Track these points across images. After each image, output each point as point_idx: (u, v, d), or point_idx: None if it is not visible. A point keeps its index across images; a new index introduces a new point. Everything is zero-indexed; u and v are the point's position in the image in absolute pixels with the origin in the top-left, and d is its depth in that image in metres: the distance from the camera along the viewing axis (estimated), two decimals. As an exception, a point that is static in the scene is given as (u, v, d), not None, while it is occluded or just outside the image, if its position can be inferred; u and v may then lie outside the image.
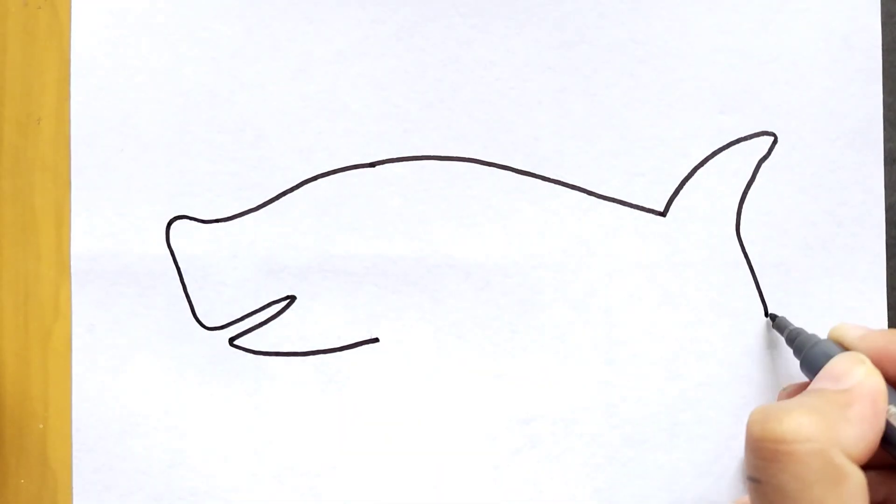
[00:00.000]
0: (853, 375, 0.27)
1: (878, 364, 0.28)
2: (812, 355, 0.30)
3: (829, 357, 0.29)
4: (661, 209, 0.35)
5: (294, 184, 0.35)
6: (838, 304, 0.35)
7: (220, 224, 0.36)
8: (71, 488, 0.36)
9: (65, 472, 0.36)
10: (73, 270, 0.36)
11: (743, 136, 0.35)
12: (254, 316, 0.35)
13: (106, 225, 0.35)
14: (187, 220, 0.36)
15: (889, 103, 0.35)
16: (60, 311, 0.36)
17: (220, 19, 0.35)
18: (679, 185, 0.35)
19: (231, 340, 0.35)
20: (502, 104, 0.35)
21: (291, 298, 0.35)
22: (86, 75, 0.35)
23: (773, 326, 0.34)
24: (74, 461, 0.36)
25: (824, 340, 0.31)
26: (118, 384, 0.35)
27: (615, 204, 0.35)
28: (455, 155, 0.35)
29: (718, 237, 0.35)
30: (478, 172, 0.35)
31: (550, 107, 0.35)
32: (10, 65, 0.36)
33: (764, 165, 0.35)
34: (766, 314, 0.35)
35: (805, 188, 0.35)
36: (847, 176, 0.35)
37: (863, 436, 0.25)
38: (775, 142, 0.35)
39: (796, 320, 0.35)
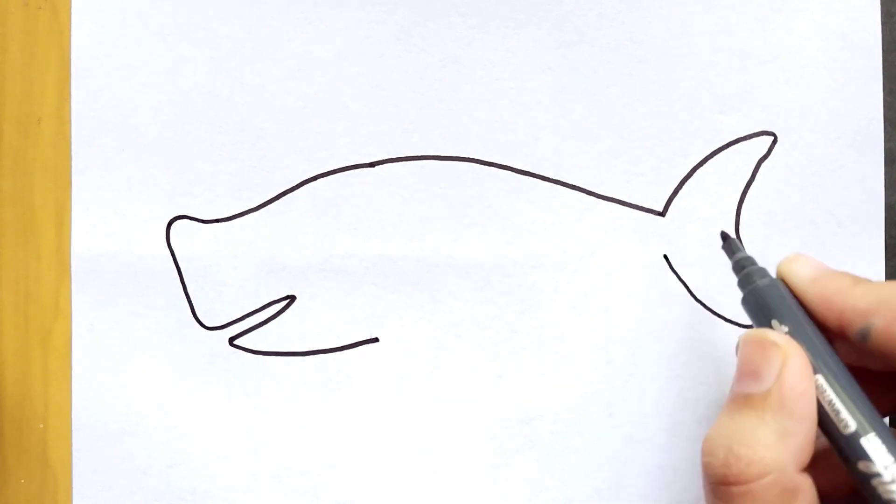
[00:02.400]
0: (770, 370, 0.25)
1: (823, 312, 0.26)
2: (753, 297, 0.27)
3: (767, 305, 0.26)
4: (661, 209, 0.35)
5: (294, 184, 0.35)
6: (838, 304, 0.35)
7: (220, 224, 0.36)
8: (71, 488, 0.36)
9: (65, 472, 0.36)
10: (73, 270, 0.36)
11: (742, 135, 0.35)
12: (254, 316, 0.35)
13: (106, 225, 0.36)
14: (187, 220, 0.36)
15: (889, 103, 0.35)
16: (60, 310, 0.36)
17: (220, 19, 0.35)
18: (678, 185, 0.35)
19: (231, 340, 0.35)
20: (502, 104, 0.35)
21: (291, 298, 0.35)
22: (86, 75, 0.35)
23: (723, 248, 0.31)
24: (74, 461, 0.36)
25: (772, 281, 0.27)
26: (118, 384, 0.36)
27: (615, 204, 0.35)
28: (455, 155, 0.35)
29: (718, 237, 0.35)
30: (478, 172, 0.35)
31: (550, 107, 0.35)
32: (10, 65, 0.36)
33: (763, 165, 0.35)
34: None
35: (805, 188, 0.35)
36: (847, 176, 0.35)
37: (805, 437, 0.24)
38: (775, 141, 0.35)
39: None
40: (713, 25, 0.35)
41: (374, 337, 0.35)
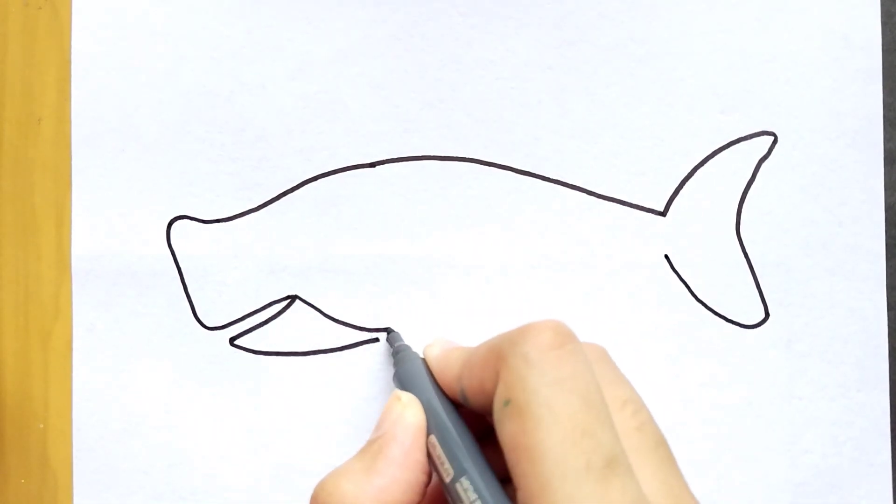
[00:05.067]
0: (388, 419, 0.27)
1: (443, 386, 0.28)
2: (399, 375, 0.31)
3: (406, 379, 0.29)
4: (662, 209, 0.35)
5: (294, 184, 0.35)
6: (838, 304, 0.35)
7: (220, 224, 0.36)
8: (71, 488, 0.36)
9: (65, 472, 0.36)
10: (73, 270, 0.36)
11: (743, 135, 0.35)
12: (254, 316, 0.35)
13: (107, 225, 0.36)
14: (188, 221, 0.36)
15: (889, 103, 0.35)
16: (61, 310, 0.36)
17: (220, 19, 0.35)
18: (679, 185, 0.35)
19: (231, 340, 0.35)
20: (502, 104, 0.35)
21: (292, 298, 0.35)
22: (86, 75, 0.35)
23: (387, 340, 0.35)
24: (74, 461, 0.36)
25: (415, 362, 0.30)
26: (119, 384, 0.36)
27: (615, 204, 0.35)
28: (455, 155, 0.35)
29: (718, 237, 0.35)
30: (478, 172, 0.35)
31: (550, 107, 0.35)
32: (11, 65, 0.36)
33: (764, 165, 0.35)
34: (762, 316, 0.35)
35: (805, 188, 0.35)
36: (847, 175, 0.35)
37: (395, 480, 0.25)
38: (775, 141, 0.35)
39: (796, 320, 0.35)
40: (713, 25, 0.35)
41: (374, 337, 0.35)
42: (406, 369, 0.30)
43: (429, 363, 0.29)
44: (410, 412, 0.27)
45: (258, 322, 0.35)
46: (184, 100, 0.35)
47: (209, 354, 0.35)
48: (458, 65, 0.35)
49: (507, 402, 0.23)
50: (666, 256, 0.35)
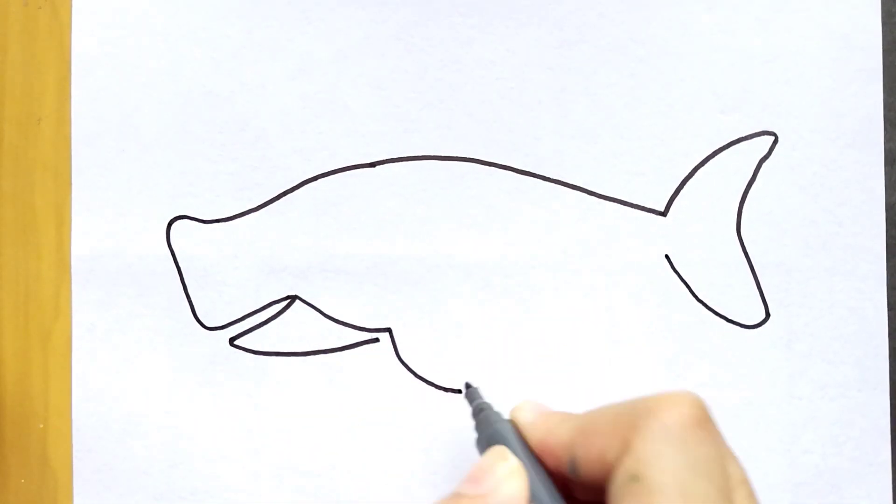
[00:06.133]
0: (490, 478, 0.25)
1: (542, 453, 0.27)
2: (486, 438, 0.29)
3: (496, 444, 0.27)
4: (662, 209, 0.35)
5: (294, 184, 0.35)
6: (838, 304, 0.35)
7: (220, 224, 0.36)
8: (71, 488, 0.36)
9: (65, 472, 0.36)
10: (73, 270, 0.36)
11: (743, 135, 0.35)
12: (254, 316, 0.35)
13: (106, 225, 0.36)
14: (188, 221, 0.36)
15: (889, 103, 0.35)
16: (61, 310, 0.36)
17: (221, 19, 0.35)
18: (679, 185, 0.35)
19: (231, 340, 0.35)
20: (502, 104, 0.35)
21: (292, 298, 0.35)
22: (86, 75, 0.35)
23: (465, 396, 0.33)
24: (74, 461, 0.36)
25: (503, 425, 0.28)
26: (118, 384, 0.36)
27: (615, 204, 0.35)
28: (455, 155, 0.35)
29: (719, 237, 0.35)
30: (478, 172, 0.35)
31: (550, 107, 0.35)
32: (11, 65, 0.36)
33: (764, 165, 0.35)
34: (762, 316, 0.35)
35: (805, 188, 0.35)
36: (847, 175, 0.35)
37: None
38: (776, 141, 0.35)
39: (796, 320, 0.35)
40: (713, 25, 0.35)
41: (374, 337, 0.35)
42: (495, 433, 0.28)
43: (523, 428, 0.27)
44: (516, 482, 0.25)
45: (258, 322, 0.35)
46: (184, 100, 0.35)
47: (209, 354, 0.35)
48: (458, 65, 0.35)
49: (634, 479, 0.21)
50: (666, 256, 0.35)
